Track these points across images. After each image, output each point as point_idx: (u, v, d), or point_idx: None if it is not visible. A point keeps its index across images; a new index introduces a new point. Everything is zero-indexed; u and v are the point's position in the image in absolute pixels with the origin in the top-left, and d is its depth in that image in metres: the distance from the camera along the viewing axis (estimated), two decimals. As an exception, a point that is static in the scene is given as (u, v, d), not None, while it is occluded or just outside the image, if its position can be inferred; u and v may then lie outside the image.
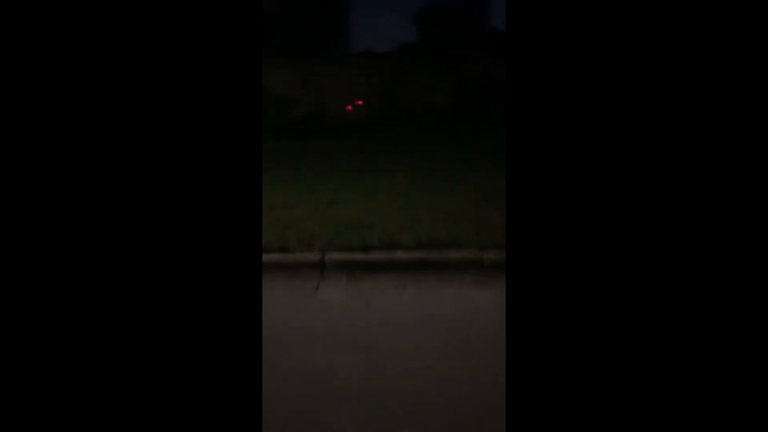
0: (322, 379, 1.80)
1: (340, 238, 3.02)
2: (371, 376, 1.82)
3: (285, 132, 8.56)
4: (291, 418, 1.60)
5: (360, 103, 13.75)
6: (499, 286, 2.52)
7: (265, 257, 2.75)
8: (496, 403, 1.57)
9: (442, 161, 5.67)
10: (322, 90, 13.48)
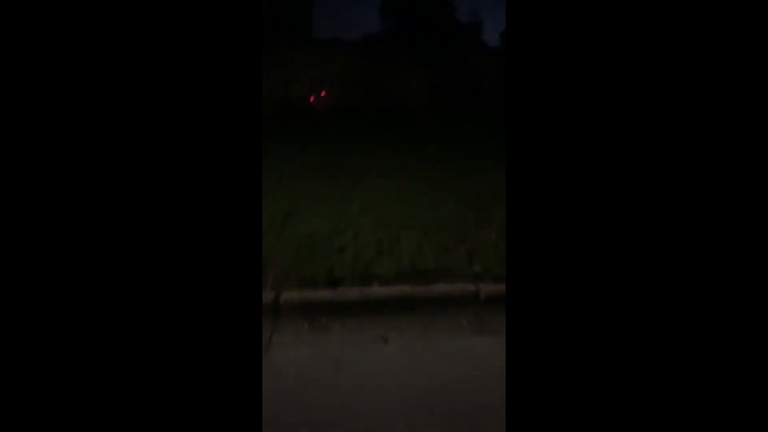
0: None
1: (300, 268, 2.37)
2: None
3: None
4: None
5: (323, 93, 12.91)
6: (499, 329, 1.98)
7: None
8: None
9: (420, 161, 5.08)
10: (286, 77, 12.54)
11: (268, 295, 2.14)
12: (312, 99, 12.79)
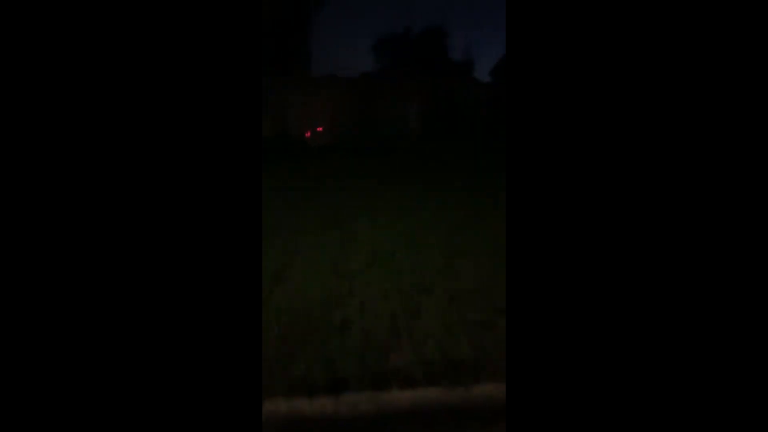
0: None
1: (290, 363, 1.74)
2: None
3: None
4: None
5: (320, 129, 12.61)
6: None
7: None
8: None
9: (426, 198, 4.54)
10: (282, 113, 12.25)
11: (242, 410, 1.51)
12: (308, 135, 12.46)
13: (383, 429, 1.50)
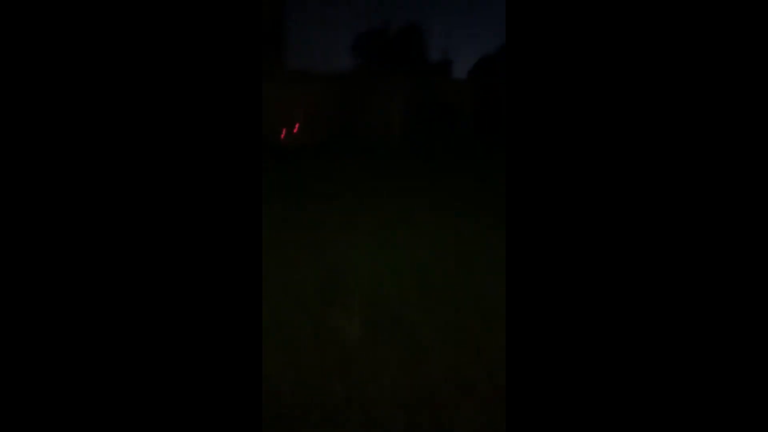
0: None
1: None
2: None
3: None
4: None
5: (296, 128, 11.90)
6: None
7: None
8: None
9: (418, 215, 4.00)
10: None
11: None
12: (283, 136, 11.71)
13: None
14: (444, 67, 19.99)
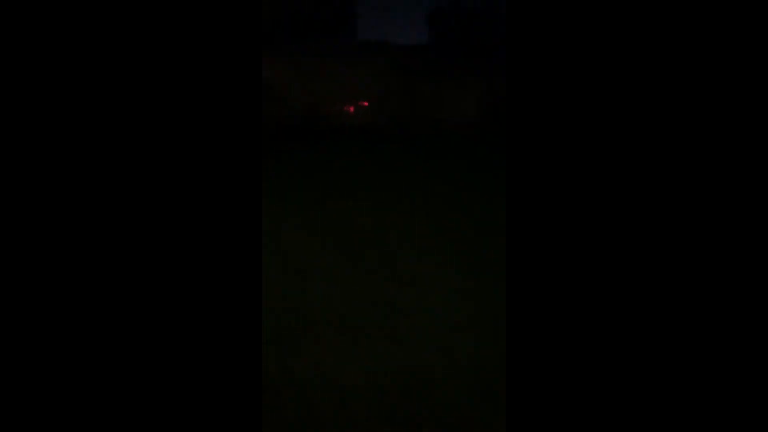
0: None
1: None
2: None
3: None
4: None
5: (366, 104, 11.30)
6: None
7: None
8: None
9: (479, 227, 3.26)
10: (318, 86, 10.94)
11: None
12: (351, 109, 11.13)
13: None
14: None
